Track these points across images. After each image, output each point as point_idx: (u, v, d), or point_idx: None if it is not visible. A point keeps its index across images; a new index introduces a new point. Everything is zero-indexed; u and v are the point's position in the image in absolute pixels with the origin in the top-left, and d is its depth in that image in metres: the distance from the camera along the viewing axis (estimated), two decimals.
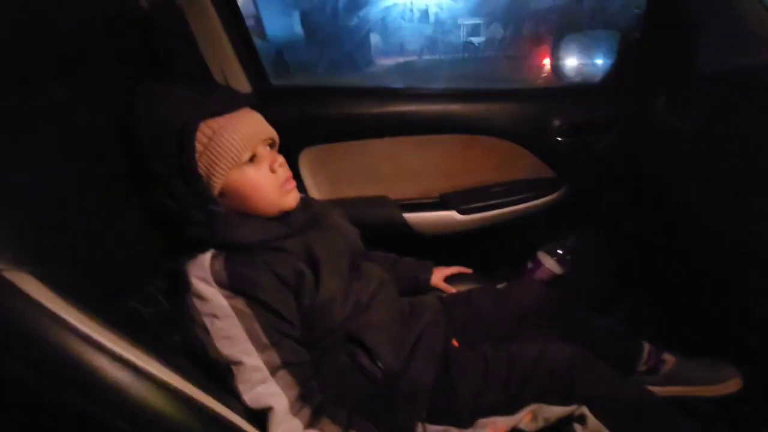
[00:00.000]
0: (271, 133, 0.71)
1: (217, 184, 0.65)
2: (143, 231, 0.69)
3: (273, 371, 0.59)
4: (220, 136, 0.63)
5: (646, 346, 0.87)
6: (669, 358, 0.87)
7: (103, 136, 0.66)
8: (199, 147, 0.62)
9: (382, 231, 1.03)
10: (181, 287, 0.63)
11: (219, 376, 0.59)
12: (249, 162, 0.66)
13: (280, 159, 0.70)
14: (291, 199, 0.71)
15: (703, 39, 0.91)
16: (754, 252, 0.76)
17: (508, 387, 0.70)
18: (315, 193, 1.16)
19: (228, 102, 0.67)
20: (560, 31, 1.18)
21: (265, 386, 0.58)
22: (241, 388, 0.58)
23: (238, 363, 0.58)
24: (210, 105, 0.64)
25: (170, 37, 0.90)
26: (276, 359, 0.59)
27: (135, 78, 0.73)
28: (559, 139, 1.09)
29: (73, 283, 0.49)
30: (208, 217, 0.64)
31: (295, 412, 0.58)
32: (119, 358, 0.45)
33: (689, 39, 0.93)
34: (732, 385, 0.83)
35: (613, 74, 1.10)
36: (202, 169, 0.63)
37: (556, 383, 0.68)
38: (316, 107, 1.11)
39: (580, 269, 1.16)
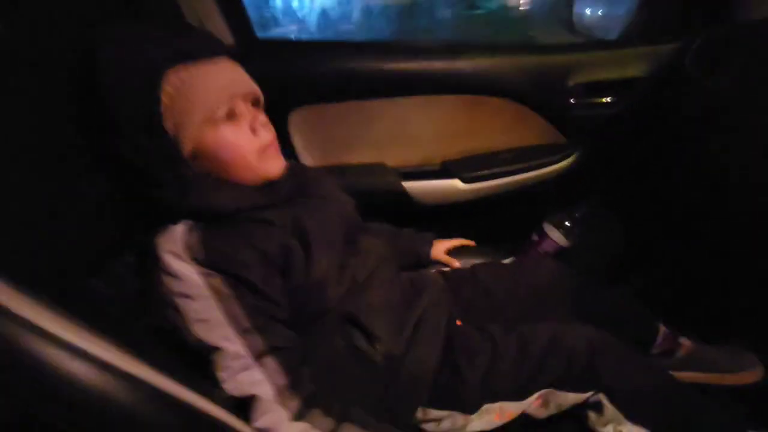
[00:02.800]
0: (254, 88, 0.62)
1: (188, 143, 0.56)
2: (108, 199, 0.60)
3: (257, 357, 0.52)
4: (192, 86, 0.54)
5: (662, 328, 0.82)
6: (685, 343, 0.82)
7: (55, 83, 0.56)
8: (165, 98, 0.53)
9: (379, 200, 0.95)
10: (150, 263, 0.55)
11: (196, 362, 0.53)
12: (226, 119, 0.57)
13: (263, 118, 0.61)
14: (274, 165, 0.63)
15: None
16: None
17: (519, 372, 0.64)
18: (306, 158, 1.07)
19: (204, 47, 0.57)
20: None
21: (247, 373, 0.52)
22: (222, 375, 0.52)
23: (217, 349, 0.52)
24: (181, 48, 0.55)
25: None
26: (260, 344, 0.53)
27: (92, 17, 0.62)
28: (573, 101, 1.00)
29: (20, 261, 0.41)
30: (178, 180, 0.56)
31: (282, 401, 0.52)
32: (75, 349, 0.38)
33: None
34: (754, 374, 0.78)
35: (635, 27, 0.99)
36: (169, 125, 0.54)
37: (573, 369, 0.62)
38: (307, 63, 1.00)
39: (589, 242, 1.10)
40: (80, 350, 0.39)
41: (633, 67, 0.97)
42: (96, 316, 0.44)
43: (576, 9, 1.09)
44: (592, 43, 1.07)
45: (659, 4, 0.96)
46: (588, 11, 1.05)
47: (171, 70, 0.54)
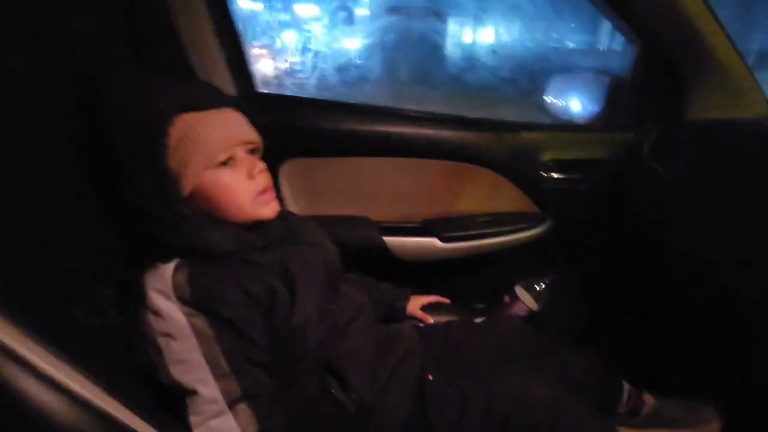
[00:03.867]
0: (254, 136, 0.65)
1: (188, 184, 0.59)
2: (99, 231, 0.62)
3: (231, 403, 0.52)
4: (197, 131, 0.58)
5: (627, 387, 0.85)
6: (648, 399, 0.86)
7: (62, 120, 0.59)
8: (172, 141, 0.57)
9: (360, 253, 0.99)
10: (136, 300, 0.56)
11: (171, 403, 0.52)
12: (225, 164, 0.61)
13: (261, 165, 0.65)
14: (267, 210, 0.65)
15: (690, 90, 0.94)
16: (735, 296, 0.76)
17: (485, 427, 0.65)
18: (293, 207, 1.11)
19: (209, 97, 0.62)
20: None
21: (220, 420, 0.52)
22: (193, 420, 0.51)
23: (192, 392, 0.52)
24: (189, 97, 0.59)
25: (150, 25, 0.85)
26: (236, 390, 0.53)
27: (107, 65, 0.68)
28: (546, 174, 1.09)
29: (2, 286, 0.42)
30: (175, 218, 0.58)
31: None
32: (48, 379, 0.38)
33: (677, 89, 0.96)
34: (713, 427, 0.81)
35: (603, 116, 1.12)
36: (173, 165, 0.57)
37: (537, 428, 0.64)
38: (301, 119, 1.07)
39: (558, 306, 1.14)
40: (57, 382, 0.39)
41: (597, 150, 1.08)
42: (75, 347, 0.45)
43: (546, 95, 1.22)
44: (562, 125, 1.18)
45: (620, 101, 1.09)
46: (557, 99, 1.18)
47: (178, 116, 0.57)
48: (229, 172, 0.61)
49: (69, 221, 0.58)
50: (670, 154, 0.90)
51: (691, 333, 0.90)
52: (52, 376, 0.38)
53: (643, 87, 1.04)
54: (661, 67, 0.96)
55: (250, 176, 0.63)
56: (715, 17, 0.86)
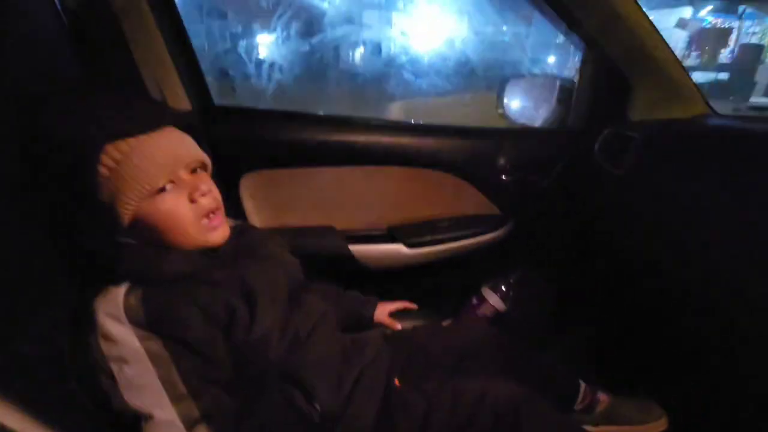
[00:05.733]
0: (198, 155, 0.62)
1: (126, 215, 0.56)
2: (39, 250, 0.59)
3: (190, 425, 0.51)
4: (131, 160, 0.55)
5: (583, 385, 0.88)
6: (603, 398, 0.89)
7: (4, 138, 0.56)
8: (104, 172, 0.54)
9: (326, 262, 0.98)
10: (86, 324, 0.53)
11: (125, 430, 0.50)
12: (165, 190, 0.57)
13: (204, 187, 0.61)
14: (215, 236, 0.62)
15: (633, 92, 1.00)
16: (680, 294, 0.80)
17: (451, 424, 0.66)
18: (256, 220, 1.09)
19: (146, 120, 0.58)
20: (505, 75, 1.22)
21: None
22: None
23: (148, 417, 0.50)
24: (122, 123, 0.56)
25: (100, 38, 0.82)
26: (194, 411, 0.52)
27: (51, 80, 0.65)
28: (504, 177, 1.12)
29: None
30: (117, 250, 0.56)
31: None
32: None
33: (621, 91, 1.01)
34: (659, 425, 0.86)
35: (555, 118, 1.16)
36: (105, 198, 0.55)
37: (499, 423, 0.65)
38: (261, 130, 1.06)
39: (523, 305, 1.17)
40: None
41: (552, 151, 1.12)
42: (15, 380, 0.43)
43: (505, 99, 1.25)
44: (517, 128, 1.22)
45: (570, 103, 1.13)
46: (511, 103, 1.21)
47: (110, 145, 0.54)
48: (171, 197, 0.58)
49: (11, 242, 0.55)
50: (618, 153, 0.95)
51: (641, 330, 0.95)
52: None
53: (590, 90, 1.09)
54: (605, 71, 1.01)
55: (192, 199, 0.59)
56: (652, 24, 0.91)
